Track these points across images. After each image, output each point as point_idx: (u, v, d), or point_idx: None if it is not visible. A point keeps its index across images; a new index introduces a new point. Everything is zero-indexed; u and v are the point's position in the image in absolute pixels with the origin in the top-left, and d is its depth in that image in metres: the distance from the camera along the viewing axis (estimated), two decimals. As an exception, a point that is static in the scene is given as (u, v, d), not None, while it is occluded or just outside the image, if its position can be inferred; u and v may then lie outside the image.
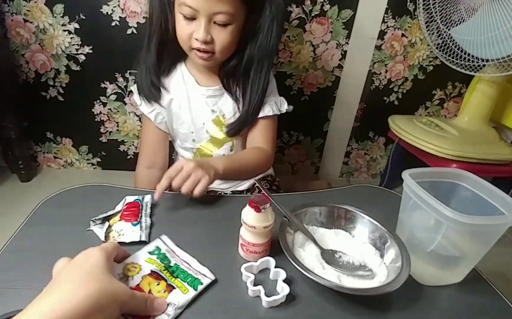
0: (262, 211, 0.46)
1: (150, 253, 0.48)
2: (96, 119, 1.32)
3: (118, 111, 1.31)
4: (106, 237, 0.51)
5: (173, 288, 0.43)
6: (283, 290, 0.44)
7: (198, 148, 0.81)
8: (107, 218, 0.54)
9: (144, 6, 1.14)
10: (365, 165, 1.63)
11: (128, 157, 1.43)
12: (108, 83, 1.25)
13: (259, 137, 0.80)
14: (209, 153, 0.82)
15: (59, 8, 1.12)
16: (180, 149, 0.86)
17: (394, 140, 1.34)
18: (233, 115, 0.78)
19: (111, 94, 1.28)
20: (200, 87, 0.76)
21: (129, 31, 1.17)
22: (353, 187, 0.76)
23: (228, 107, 0.78)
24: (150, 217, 0.56)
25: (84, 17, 1.14)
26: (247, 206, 0.47)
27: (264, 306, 0.43)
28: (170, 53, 0.74)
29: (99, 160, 1.42)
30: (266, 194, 0.53)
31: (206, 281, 0.45)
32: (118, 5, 1.13)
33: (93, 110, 1.30)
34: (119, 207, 0.57)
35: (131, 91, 1.28)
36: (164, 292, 0.43)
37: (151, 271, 0.45)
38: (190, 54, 0.70)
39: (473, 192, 0.50)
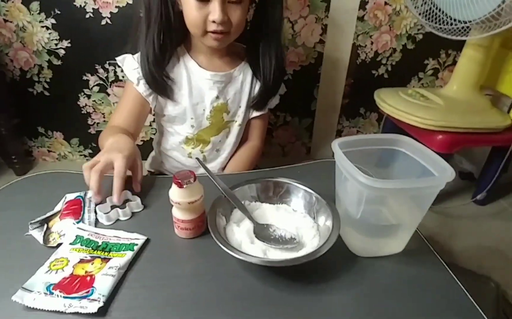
0: (184, 186, 0.46)
1: (71, 243, 0.46)
2: (82, 112, 1.35)
3: (102, 102, 1.34)
4: (46, 240, 0.48)
5: (110, 259, 0.44)
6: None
7: (196, 135, 0.80)
8: (46, 220, 0.51)
9: (114, -5, 1.14)
10: (358, 143, 1.58)
11: (118, 147, 1.45)
12: (89, 75, 1.27)
13: (253, 134, 0.87)
14: (207, 139, 0.81)
15: (35, 5, 1.14)
16: (169, 136, 0.82)
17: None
18: (237, 102, 0.79)
19: (93, 86, 1.30)
20: (205, 72, 0.74)
21: (103, 22, 1.17)
22: (315, 162, 0.74)
23: (232, 93, 0.78)
24: (95, 212, 0.53)
25: (59, 12, 1.15)
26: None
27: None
28: (171, 42, 0.72)
29: (90, 151, 1.46)
30: (207, 171, 0.54)
31: (140, 241, 0.48)
32: (90, -4, 1.14)
33: (78, 103, 1.33)
34: (58, 207, 0.54)
35: (114, 80, 1.30)
36: (101, 265, 0.43)
37: (80, 259, 0.44)
38: (203, 38, 0.68)
39: (411, 157, 0.48)
